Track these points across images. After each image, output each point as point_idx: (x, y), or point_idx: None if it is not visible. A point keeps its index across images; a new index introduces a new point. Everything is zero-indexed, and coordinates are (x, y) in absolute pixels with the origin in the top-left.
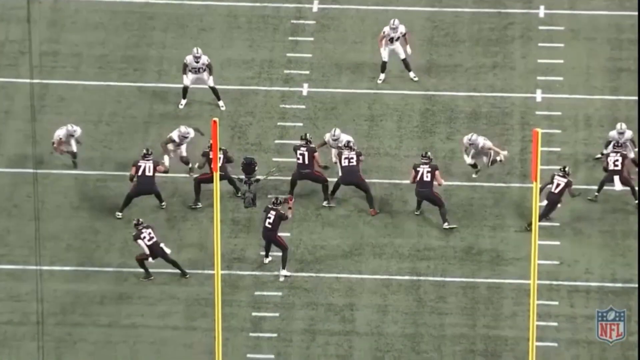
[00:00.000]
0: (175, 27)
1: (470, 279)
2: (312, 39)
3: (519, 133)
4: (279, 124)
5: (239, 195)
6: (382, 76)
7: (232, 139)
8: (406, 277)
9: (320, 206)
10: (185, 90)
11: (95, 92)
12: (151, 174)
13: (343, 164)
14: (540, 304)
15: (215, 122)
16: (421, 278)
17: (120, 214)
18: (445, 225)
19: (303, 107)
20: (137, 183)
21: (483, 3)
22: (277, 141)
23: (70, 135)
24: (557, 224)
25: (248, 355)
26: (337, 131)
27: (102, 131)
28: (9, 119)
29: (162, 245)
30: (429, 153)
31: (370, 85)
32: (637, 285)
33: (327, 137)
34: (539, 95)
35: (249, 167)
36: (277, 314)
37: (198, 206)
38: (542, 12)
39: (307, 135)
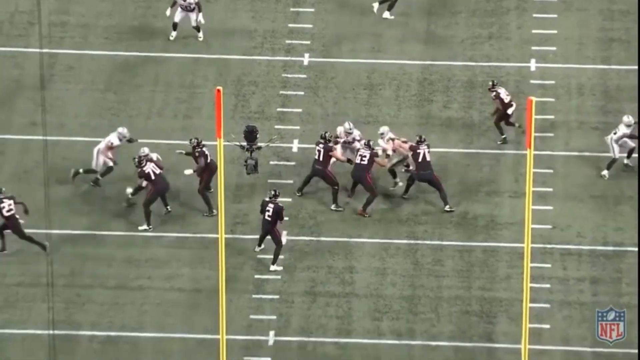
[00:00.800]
0: None
1: (466, 242)
2: (313, 10)
3: (514, 101)
4: (280, 92)
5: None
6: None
7: (235, 108)
8: (404, 241)
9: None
10: (175, 25)
11: (103, 61)
12: (160, 171)
13: (356, 160)
14: (534, 266)
15: (219, 90)
16: (419, 242)
17: (150, 226)
18: (447, 208)
19: (304, 76)
20: (156, 184)
21: None
22: (278, 109)
23: (123, 137)
24: (550, 189)
25: (251, 317)
26: (352, 125)
27: (109, 99)
28: (20, 87)
29: (20, 220)
30: (423, 136)
31: (369, 55)
32: (628, 249)
33: (340, 130)
34: (533, 65)
35: (251, 134)
36: (279, 277)
37: (214, 214)
38: None
39: (327, 134)
